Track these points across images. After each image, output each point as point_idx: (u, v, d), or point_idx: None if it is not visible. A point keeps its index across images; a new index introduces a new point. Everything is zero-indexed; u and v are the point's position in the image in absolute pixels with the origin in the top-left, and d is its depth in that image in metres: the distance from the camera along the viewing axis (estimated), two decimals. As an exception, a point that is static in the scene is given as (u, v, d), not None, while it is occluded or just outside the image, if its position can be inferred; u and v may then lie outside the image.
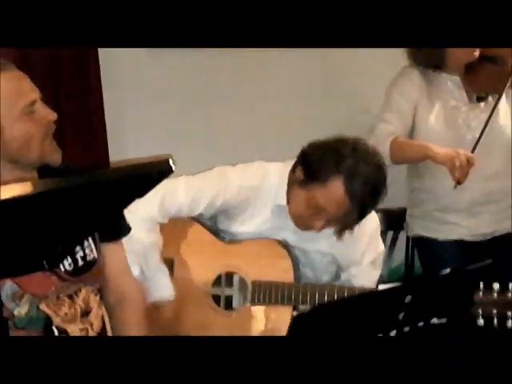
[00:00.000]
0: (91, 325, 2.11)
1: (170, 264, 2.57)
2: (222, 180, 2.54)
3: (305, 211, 2.45)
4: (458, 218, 3.05)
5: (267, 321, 2.50)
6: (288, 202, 2.51)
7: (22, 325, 2.01)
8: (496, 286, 2.37)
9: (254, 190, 2.55)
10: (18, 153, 1.99)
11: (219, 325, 2.53)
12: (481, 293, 2.36)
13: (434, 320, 1.78)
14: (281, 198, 2.52)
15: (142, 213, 2.42)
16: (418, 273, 3.34)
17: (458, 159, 2.73)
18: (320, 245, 2.57)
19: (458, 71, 2.99)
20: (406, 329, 1.73)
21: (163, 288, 2.50)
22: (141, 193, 1.49)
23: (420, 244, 3.18)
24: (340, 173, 2.37)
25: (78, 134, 3.12)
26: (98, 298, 2.16)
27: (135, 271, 2.39)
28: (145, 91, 3.33)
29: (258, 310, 2.52)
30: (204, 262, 2.56)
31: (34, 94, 2.00)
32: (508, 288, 2.37)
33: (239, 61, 3.22)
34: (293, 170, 2.50)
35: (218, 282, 2.57)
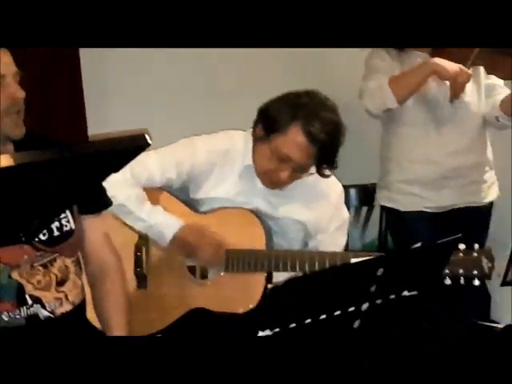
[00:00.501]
0: (65, 295, 2.10)
1: (145, 238, 2.56)
2: (189, 147, 2.59)
3: (270, 164, 2.49)
4: (422, 191, 3.06)
5: (241, 287, 2.51)
6: (254, 162, 2.55)
7: None
8: (462, 246, 2.42)
9: (221, 154, 2.59)
10: None
11: (196, 294, 2.54)
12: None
13: (405, 292, 1.78)
14: (247, 159, 2.57)
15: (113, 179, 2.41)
16: (391, 247, 3.36)
17: (461, 76, 2.81)
18: (289, 211, 2.60)
19: (426, 49, 2.99)
20: (378, 301, 1.73)
21: (171, 224, 2.51)
22: (117, 166, 1.49)
23: (387, 214, 3.20)
24: (298, 119, 2.43)
25: (57, 107, 3.11)
26: (76, 268, 2.15)
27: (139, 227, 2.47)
28: (125, 64, 3.30)
29: (232, 278, 2.52)
30: (178, 250, 2.55)
31: (5, 68, 2.00)
32: (473, 248, 2.42)
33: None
34: (254, 130, 2.55)
35: None
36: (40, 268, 2.05)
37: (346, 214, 2.72)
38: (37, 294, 2.05)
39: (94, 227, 2.21)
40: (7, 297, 2.02)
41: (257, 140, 2.54)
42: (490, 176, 3.16)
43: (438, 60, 2.86)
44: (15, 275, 2.02)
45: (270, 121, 2.48)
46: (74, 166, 1.36)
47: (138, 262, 2.53)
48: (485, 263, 2.45)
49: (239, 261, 2.50)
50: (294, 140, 2.44)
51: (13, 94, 2.01)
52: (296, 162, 2.47)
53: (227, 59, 3.41)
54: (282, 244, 2.61)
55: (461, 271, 2.40)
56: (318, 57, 3.65)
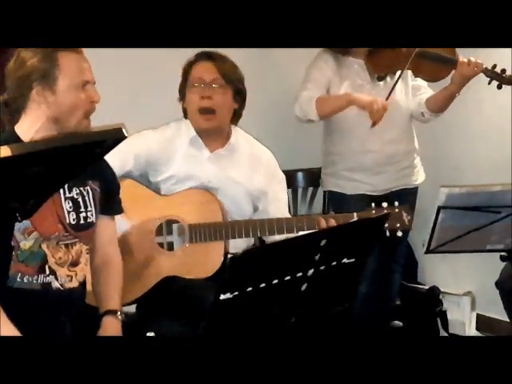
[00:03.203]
0: (76, 274, 2.17)
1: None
2: (142, 140, 2.66)
3: (196, 99, 2.63)
4: (363, 177, 3.11)
5: (204, 255, 2.53)
6: (188, 118, 2.69)
7: (22, 258, 2.08)
8: (385, 204, 2.55)
9: (169, 140, 2.68)
10: (62, 115, 2.08)
11: (166, 264, 2.55)
12: (373, 211, 2.51)
13: (345, 260, 1.82)
14: (191, 131, 2.67)
15: None
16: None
17: (376, 104, 2.84)
18: (231, 172, 2.67)
19: (362, 55, 3.05)
20: (322, 267, 1.76)
21: None
22: (98, 156, 1.51)
23: (332, 197, 3.25)
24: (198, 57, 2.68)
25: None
26: (87, 256, 2.23)
27: None
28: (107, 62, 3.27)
29: (196, 247, 2.54)
30: (145, 215, 2.57)
31: (90, 76, 2.11)
32: (394, 205, 2.54)
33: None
34: (181, 98, 2.71)
35: (159, 230, 2.59)
36: (62, 246, 2.13)
37: (280, 173, 2.77)
38: (54, 267, 2.12)
39: (106, 226, 2.29)
40: (33, 263, 2.09)
41: (183, 100, 2.69)
42: (418, 161, 3.23)
43: (356, 95, 2.92)
44: (44, 246, 2.10)
45: (182, 76, 2.70)
46: (61, 155, 1.38)
47: None
48: (405, 216, 2.55)
49: (201, 232, 2.53)
50: (201, 65, 2.65)
51: (93, 98, 2.11)
52: (207, 80, 2.61)
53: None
54: (234, 210, 2.65)
55: (386, 225, 2.49)
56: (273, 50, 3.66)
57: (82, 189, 2.19)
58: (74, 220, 2.16)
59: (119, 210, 2.35)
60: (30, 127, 2.09)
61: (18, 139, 2.08)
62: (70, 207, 2.15)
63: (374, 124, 2.88)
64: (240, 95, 2.68)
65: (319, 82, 3.01)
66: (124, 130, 1.41)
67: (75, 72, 2.08)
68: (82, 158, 1.46)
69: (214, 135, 2.68)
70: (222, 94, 2.63)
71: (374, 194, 3.10)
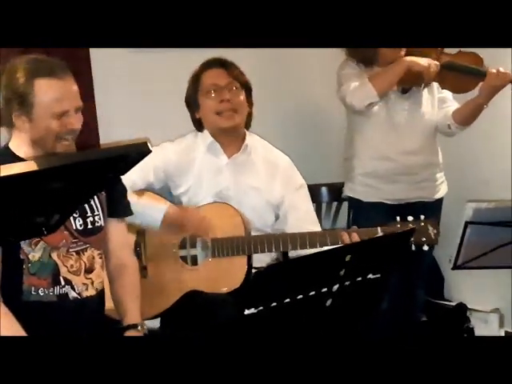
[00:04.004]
0: (92, 282, 2.17)
1: (142, 234, 2.60)
2: (161, 152, 2.67)
3: (213, 102, 2.64)
4: (377, 183, 3.10)
5: (226, 270, 2.53)
6: (206, 120, 2.69)
7: (34, 270, 2.08)
8: (410, 218, 2.51)
9: (187, 151, 2.69)
10: (36, 139, 2.09)
11: (189, 278, 2.56)
12: (398, 225, 2.48)
13: (370, 275, 1.82)
14: (207, 138, 2.69)
15: None
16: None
17: (431, 66, 2.88)
18: (249, 179, 2.66)
19: (386, 66, 3.04)
20: (347, 283, 1.76)
21: (158, 208, 2.54)
22: (124, 170, 1.52)
23: (351, 204, 3.24)
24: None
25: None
26: (101, 261, 2.22)
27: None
28: (129, 83, 3.30)
29: (219, 262, 2.54)
30: (170, 229, 2.57)
31: (70, 104, 2.07)
32: (420, 219, 2.51)
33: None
34: (192, 111, 2.71)
35: (183, 245, 2.60)
36: (73, 253, 2.13)
37: (300, 180, 2.74)
38: (69, 276, 2.12)
39: (117, 230, 2.29)
40: (45, 274, 2.09)
41: (196, 109, 2.69)
42: (440, 176, 3.20)
43: (410, 57, 2.91)
44: (54, 256, 2.10)
45: (190, 86, 2.71)
46: (86, 169, 1.39)
47: (138, 256, 2.53)
48: (431, 230, 2.53)
49: (224, 247, 2.53)
50: (212, 72, 2.67)
51: (72, 125, 2.08)
52: (222, 84, 2.63)
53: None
54: (255, 219, 2.63)
55: (411, 239, 2.47)
56: (295, 64, 3.67)
57: None
58: (80, 225, 2.15)
59: (128, 212, 2.33)
60: (20, 145, 2.11)
61: (12, 155, 2.10)
62: (76, 213, 2.13)
63: (427, 84, 2.93)
64: (251, 98, 2.71)
65: (357, 76, 2.99)
66: (149, 144, 1.42)
67: (51, 101, 2.05)
68: (106, 172, 1.47)
69: (231, 138, 2.68)
70: (238, 95, 2.65)
71: (390, 202, 3.08)
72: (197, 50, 2.84)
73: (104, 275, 2.25)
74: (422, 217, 2.53)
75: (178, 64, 3.22)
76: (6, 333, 1.82)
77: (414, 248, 2.51)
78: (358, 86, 2.94)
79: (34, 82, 2.04)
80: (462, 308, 3.67)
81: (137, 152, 1.44)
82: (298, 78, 3.70)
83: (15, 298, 2.04)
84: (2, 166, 1.23)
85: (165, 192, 2.69)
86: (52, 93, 2.05)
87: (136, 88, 3.29)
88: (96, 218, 2.19)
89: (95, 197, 2.19)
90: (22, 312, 1.97)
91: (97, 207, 2.20)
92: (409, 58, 2.92)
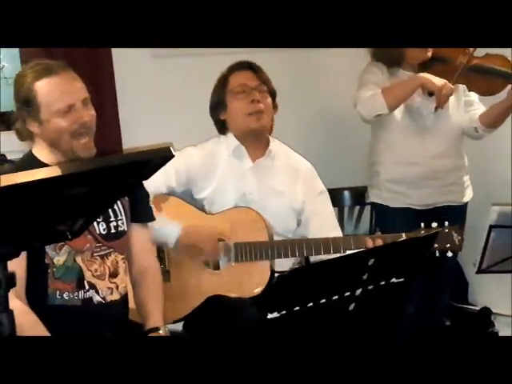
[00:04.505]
0: (117, 286, 2.18)
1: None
2: (184, 156, 2.66)
3: (242, 103, 2.63)
4: (406, 189, 3.08)
5: (249, 275, 2.53)
6: (234, 122, 2.67)
7: (59, 274, 2.09)
8: (434, 224, 2.50)
9: (210, 155, 2.68)
10: (52, 142, 2.10)
11: (211, 283, 2.55)
12: (423, 231, 2.47)
13: (393, 279, 1.81)
14: (232, 142, 2.68)
15: None
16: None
17: (445, 88, 2.85)
18: (272, 181, 2.66)
19: (412, 68, 3.03)
20: (370, 287, 1.75)
21: (171, 230, 2.53)
22: (147, 175, 1.52)
23: (376, 210, 3.22)
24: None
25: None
26: (125, 265, 2.23)
27: None
28: (152, 89, 3.31)
29: (241, 267, 2.54)
30: (185, 251, 2.56)
31: (73, 97, 2.07)
32: (444, 225, 2.48)
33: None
34: (216, 112, 2.70)
35: None
36: (98, 258, 2.14)
37: (320, 185, 2.74)
38: (93, 281, 2.13)
39: (140, 235, 2.29)
40: (69, 278, 2.10)
41: (222, 110, 2.67)
42: (466, 179, 3.18)
43: (425, 74, 2.90)
44: (78, 260, 2.11)
45: (217, 88, 2.71)
46: (109, 174, 1.40)
47: (161, 261, 2.52)
48: (455, 237, 2.51)
49: (246, 252, 2.53)
50: (241, 73, 2.67)
51: (82, 118, 2.09)
52: (252, 85, 2.63)
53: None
54: (278, 224, 2.62)
55: (436, 245, 2.46)
56: (317, 68, 3.67)
57: None
58: (104, 230, 2.15)
59: (151, 218, 2.33)
60: (41, 150, 2.13)
61: (36, 161, 2.12)
62: (99, 217, 2.14)
63: (439, 107, 2.89)
64: (275, 103, 2.71)
65: (375, 83, 2.97)
66: (172, 149, 1.42)
67: (52, 99, 2.06)
68: (129, 177, 1.47)
69: (257, 141, 2.68)
70: (266, 98, 2.66)
71: (418, 208, 3.06)
72: (220, 56, 2.88)
73: (127, 280, 2.26)
74: (447, 223, 2.51)
75: (201, 70, 3.24)
76: (30, 333, 1.84)
77: (438, 254, 2.49)
78: (369, 96, 2.93)
79: (35, 85, 2.06)
80: (486, 312, 3.64)
81: (159, 157, 1.44)
82: (319, 80, 3.70)
83: (40, 302, 2.06)
84: (26, 172, 1.25)
85: (187, 196, 2.69)
86: (51, 90, 2.06)
87: (159, 93, 3.30)
88: (119, 222, 2.20)
89: (118, 202, 2.20)
90: (47, 315, 2.00)
91: (120, 212, 2.21)
92: (424, 76, 2.89)
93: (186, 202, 2.66)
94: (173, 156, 1.43)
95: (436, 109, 2.91)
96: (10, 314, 1.36)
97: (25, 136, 2.15)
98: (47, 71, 2.07)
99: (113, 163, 1.37)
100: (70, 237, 1.42)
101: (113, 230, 2.18)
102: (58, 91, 2.06)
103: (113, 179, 1.39)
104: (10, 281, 1.36)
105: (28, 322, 1.93)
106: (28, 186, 1.20)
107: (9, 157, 2.48)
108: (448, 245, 2.49)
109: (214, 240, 2.54)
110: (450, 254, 2.51)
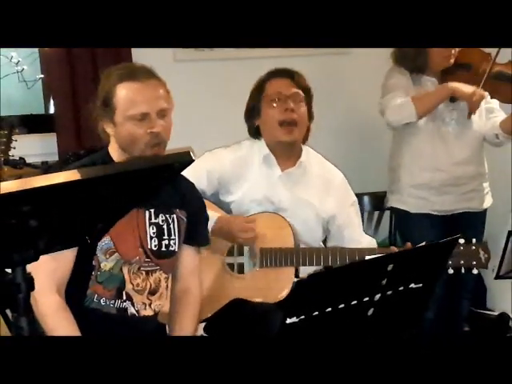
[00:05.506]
0: (150, 303, 2.17)
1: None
2: (215, 158, 2.65)
3: (277, 112, 2.59)
4: (428, 195, 3.06)
5: (273, 280, 2.52)
6: (267, 130, 2.65)
7: (101, 279, 2.09)
8: (461, 241, 2.46)
9: (242, 159, 2.66)
10: (124, 145, 2.11)
11: (235, 286, 2.55)
12: None
13: (412, 285, 1.78)
14: (263, 150, 2.66)
15: None
16: (400, 246, 3.34)
17: (475, 95, 2.85)
18: (301, 193, 2.64)
19: (435, 75, 3.01)
20: (389, 292, 1.73)
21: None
22: (167, 179, 1.51)
23: (396, 215, 3.20)
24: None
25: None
26: (166, 285, 2.22)
27: None
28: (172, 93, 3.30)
29: (266, 272, 2.53)
30: (219, 236, 2.56)
31: (147, 107, 2.06)
32: (471, 242, 2.43)
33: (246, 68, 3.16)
34: (251, 117, 2.68)
35: (231, 252, 2.58)
36: (143, 272, 2.13)
37: (353, 196, 2.73)
38: (131, 293, 2.12)
39: (190, 257, 2.28)
40: (111, 285, 2.10)
41: (256, 117, 2.65)
42: (486, 186, 3.16)
43: (454, 83, 2.88)
44: (125, 270, 2.10)
45: (253, 93, 2.67)
46: (129, 179, 1.39)
47: None
48: (482, 255, 2.47)
49: (271, 257, 2.51)
50: (278, 81, 2.62)
51: (152, 128, 2.08)
52: (288, 94, 2.58)
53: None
54: (304, 233, 2.61)
55: (461, 262, 2.43)
56: (338, 75, 3.64)
57: (168, 216, 2.17)
58: (155, 246, 2.14)
59: (205, 242, 2.33)
60: (115, 150, 2.14)
61: (109, 159, 2.13)
62: (154, 233, 2.13)
63: (471, 113, 2.89)
64: (311, 113, 2.67)
65: (402, 89, 2.97)
66: (192, 154, 1.41)
67: (126, 104, 2.06)
68: (149, 182, 1.47)
69: (288, 152, 2.66)
70: (302, 107, 2.62)
71: (438, 214, 3.04)
72: (239, 62, 2.86)
73: (164, 301, 2.23)
74: (474, 240, 2.47)
75: (221, 74, 3.23)
76: (62, 330, 1.84)
77: (463, 271, 2.45)
78: (399, 104, 2.91)
79: (117, 87, 2.07)
80: (504, 318, 3.61)
81: (179, 161, 1.43)
82: (341, 87, 3.68)
83: (77, 301, 2.06)
84: (48, 175, 1.24)
85: (214, 198, 2.67)
86: (129, 95, 2.07)
87: (180, 98, 3.29)
88: (171, 242, 2.18)
89: (175, 221, 2.18)
90: (80, 316, 2.01)
91: (174, 232, 2.19)
92: (453, 84, 2.88)
93: (213, 204, 2.64)
94: (193, 160, 1.42)
95: (469, 116, 2.91)
96: (30, 318, 1.35)
97: (101, 133, 2.16)
98: (130, 75, 2.07)
99: (133, 168, 1.37)
100: (88, 241, 1.41)
101: (163, 248, 2.17)
102: (134, 97, 2.06)
103: (132, 184, 1.38)
104: (30, 285, 1.35)
105: (62, 320, 1.94)
106: (46, 190, 1.19)
107: (28, 160, 2.49)
108: (474, 262, 2.45)
109: (249, 226, 2.52)
110: (475, 271, 2.46)
